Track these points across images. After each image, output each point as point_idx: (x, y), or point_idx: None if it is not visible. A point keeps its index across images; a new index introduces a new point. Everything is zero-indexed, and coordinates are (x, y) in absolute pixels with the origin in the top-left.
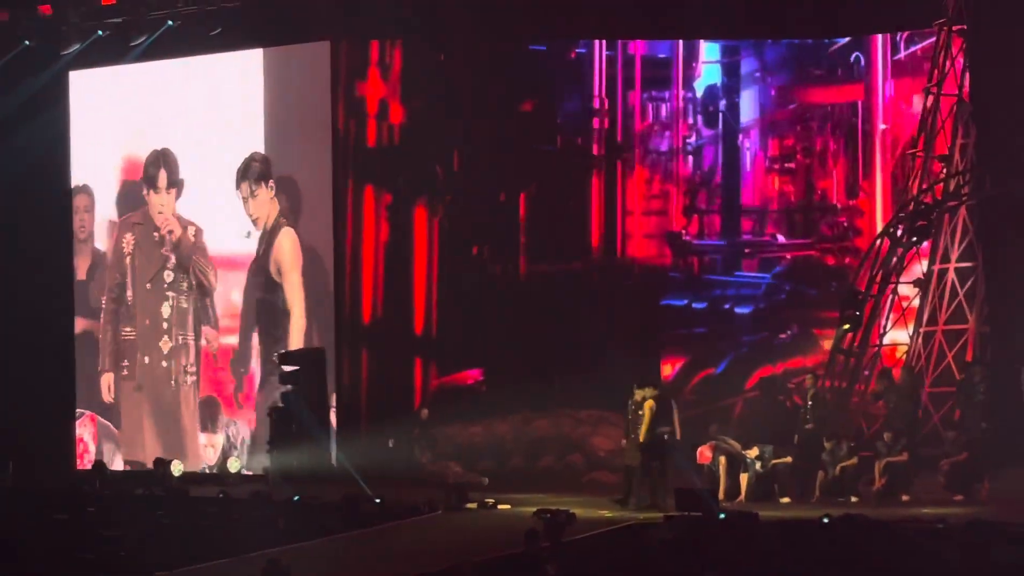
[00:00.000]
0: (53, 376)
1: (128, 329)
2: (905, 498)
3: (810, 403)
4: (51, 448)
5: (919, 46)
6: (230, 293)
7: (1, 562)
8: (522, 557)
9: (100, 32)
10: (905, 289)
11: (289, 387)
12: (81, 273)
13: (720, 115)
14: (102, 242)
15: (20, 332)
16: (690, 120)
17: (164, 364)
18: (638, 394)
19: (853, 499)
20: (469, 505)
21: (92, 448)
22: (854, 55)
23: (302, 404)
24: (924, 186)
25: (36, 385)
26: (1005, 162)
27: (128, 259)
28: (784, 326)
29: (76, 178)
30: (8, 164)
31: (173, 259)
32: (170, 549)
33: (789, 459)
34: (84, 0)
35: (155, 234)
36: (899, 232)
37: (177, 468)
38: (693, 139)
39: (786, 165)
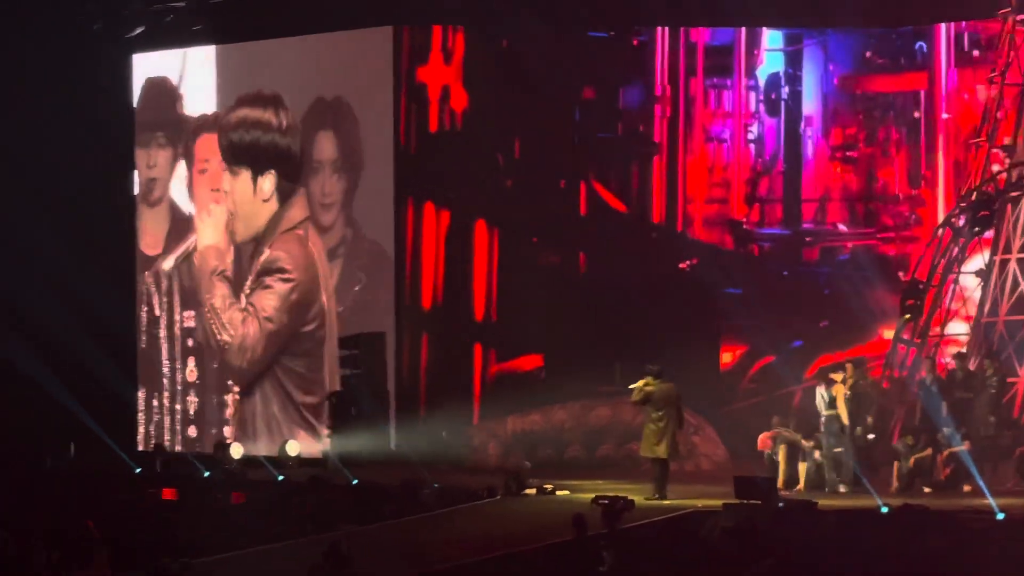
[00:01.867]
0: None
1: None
2: (967, 488)
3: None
4: (112, 429)
5: (983, 36)
6: None
7: (55, 545)
8: (578, 544)
9: (167, 17)
10: (967, 279)
11: (349, 371)
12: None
13: (782, 103)
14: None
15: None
16: (752, 108)
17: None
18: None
19: (926, 490)
20: (528, 491)
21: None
22: (918, 44)
23: (362, 388)
24: (987, 176)
25: (98, 366)
26: None
27: None
28: (845, 316)
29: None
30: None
31: None
32: (229, 532)
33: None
34: None
35: None
36: (961, 222)
37: (237, 451)
38: (755, 127)
39: (848, 154)
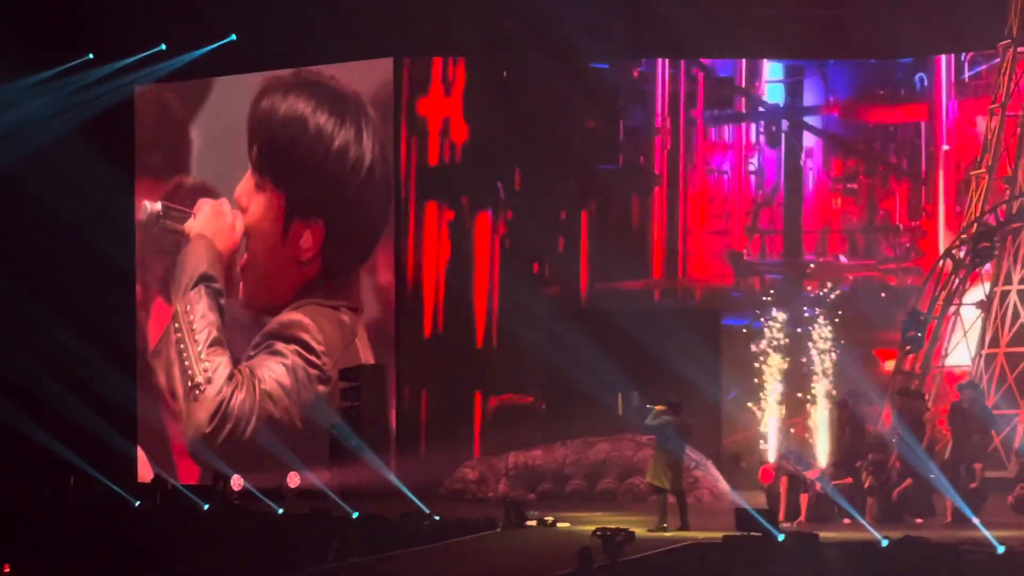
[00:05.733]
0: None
1: None
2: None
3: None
4: (112, 462)
5: (983, 67)
6: None
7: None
8: None
9: (163, 46)
10: (967, 311)
11: (349, 403)
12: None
13: (783, 135)
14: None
15: (84, 345)
16: (752, 139)
17: None
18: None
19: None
20: (528, 523)
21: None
22: (918, 76)
23: (363, 420)
24: (987, 207)
25: (99, 399)
26: None
27: None
28: (845, 347)
29: None
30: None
31: None
32: (227, 565)
33: (849, 480)
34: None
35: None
36: (962, 253)
37: (237, 483)
38: (756, 159)
39: (849, 185)
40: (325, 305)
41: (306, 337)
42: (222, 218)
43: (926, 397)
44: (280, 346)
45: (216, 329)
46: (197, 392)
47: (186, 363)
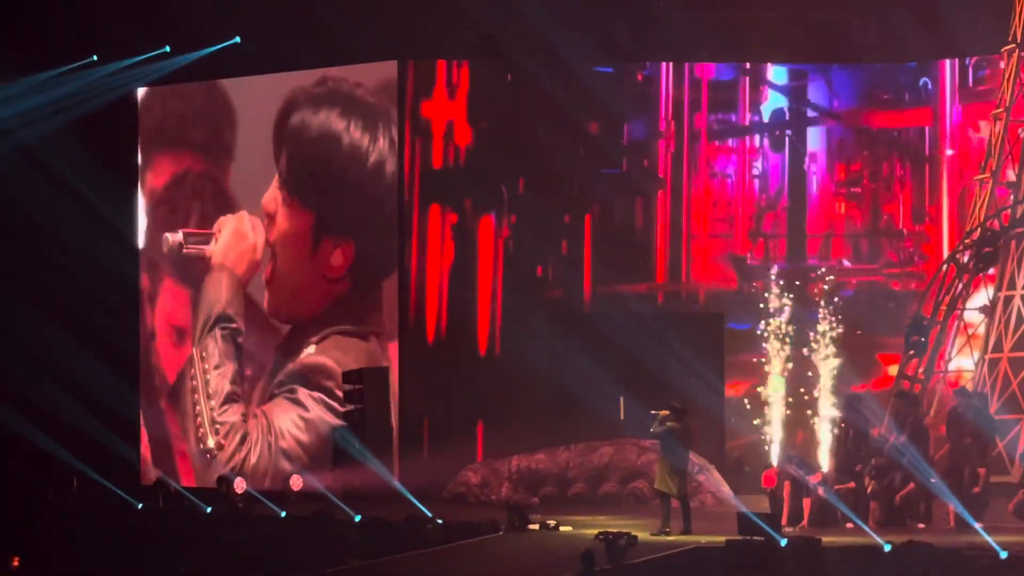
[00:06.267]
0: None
1: None
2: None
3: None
4: (114, 466)
5: (987, 72)
6: None
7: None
8: None
9: (167, 48)
10: (971, 316)
11: (352, 406)
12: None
13: (786, 139)
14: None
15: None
16: (756, 143)
17: None
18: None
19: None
20: (531, 526)
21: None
22: (922, 80)
23: (366, 423)
24: (991, 212)
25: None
26: None
27: None
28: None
29: None
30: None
31: None
32: (230, 568)
33: (852, 485)
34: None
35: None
36: (965, 258)
37: (240, 486)
38: (759, 163)
39: (852, 190)
40: (352, 334)
41: (331, 385)
42: (244, 241)
43: (926, 402)
44: (303, 394)
45: (231, 382)
46: (209, 457)
47: (198, 421)
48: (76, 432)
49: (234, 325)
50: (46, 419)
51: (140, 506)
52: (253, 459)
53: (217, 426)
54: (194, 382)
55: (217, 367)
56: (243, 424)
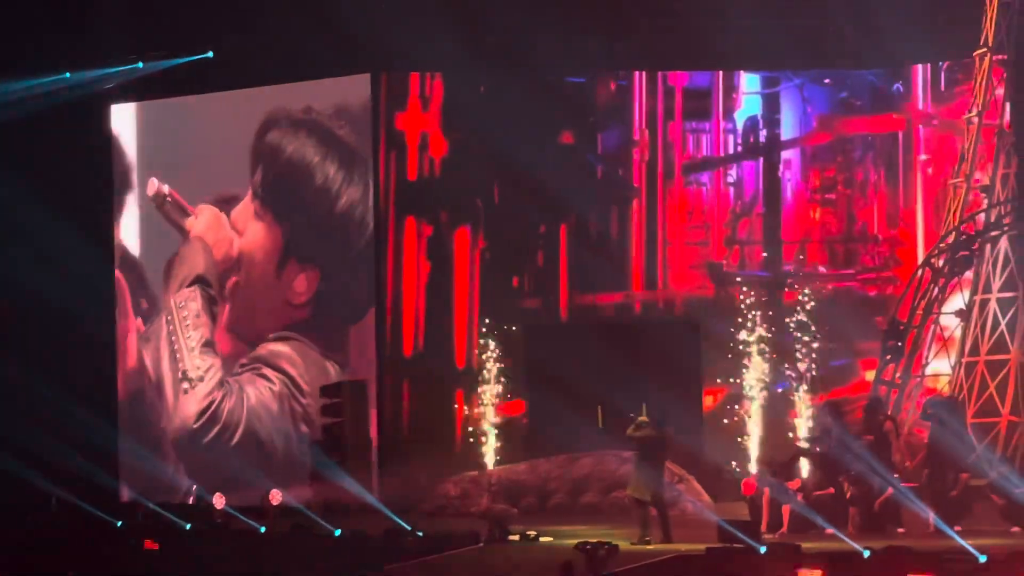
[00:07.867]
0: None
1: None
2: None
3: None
4: (95, 483)
5: (960, 75)
6: None
7: None
8: None
9: (140, 64)
10: (947, 319)
11: (331, 420)
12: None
13: (760, 146)
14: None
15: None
16: (730, 151)
17: None
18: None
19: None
20: (511, 537)
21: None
22: (895, 85)
23: (345, 437)
24: (965, 216)
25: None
26: None
27: None
28: (825, 357)
29: None
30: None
31: None
32: None
33: (831, 491)
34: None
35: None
36: (940, 262)
37: (219, 502)
38: (734, 170)
39: (827, 196)
40: (313, 349)
41: (293, 372)
42: (222, 229)
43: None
44: (268, 371)
45: (209, 331)
46: (187, 386)
47: (178, 355)
48: (55, 468)
49: (211, 291)
50: (27, 458)
51: (119, 524)
52: (229, 405)
53: (197, 362)
54: (170, 326)
55: (196, 316)
56: (220, 371)
